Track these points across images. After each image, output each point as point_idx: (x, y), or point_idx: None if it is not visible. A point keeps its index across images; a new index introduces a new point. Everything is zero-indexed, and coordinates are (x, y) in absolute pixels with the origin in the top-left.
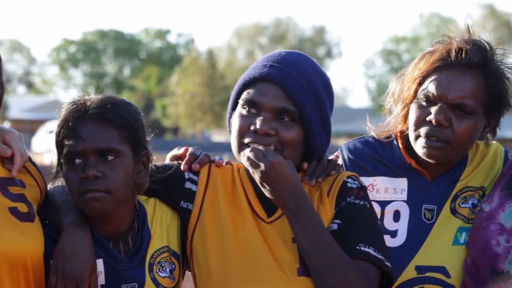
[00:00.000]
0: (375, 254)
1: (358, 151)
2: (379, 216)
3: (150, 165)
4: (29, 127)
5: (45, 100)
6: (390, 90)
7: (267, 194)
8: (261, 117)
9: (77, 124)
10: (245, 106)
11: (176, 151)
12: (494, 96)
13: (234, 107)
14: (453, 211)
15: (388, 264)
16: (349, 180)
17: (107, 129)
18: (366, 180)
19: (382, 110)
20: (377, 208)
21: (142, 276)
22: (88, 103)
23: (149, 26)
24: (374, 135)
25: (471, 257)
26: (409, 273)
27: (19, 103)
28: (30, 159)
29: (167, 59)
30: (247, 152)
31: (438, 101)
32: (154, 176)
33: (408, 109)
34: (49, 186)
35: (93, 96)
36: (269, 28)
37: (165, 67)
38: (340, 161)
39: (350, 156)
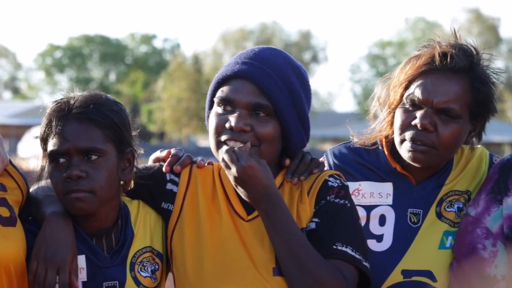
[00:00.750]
0: (352, 253)
1: (343, 157)
2: (364, 221)
3: (135, 161)
4: (15, 132)
5: (31, 106)
6: (376, 94)
7: (241, 195)
8: (235, 114)
9: (60, 123)
10: (220, 104)
11: (159, 154)
12: (480, 100)
13: (210, 107)
14: (439, 215)
15: (366, 264)
16: (331, 179)
17: (90, 128)
18: (351, 185)
19: (367, 114)
20: (362, 213)
21: (123, 275)
22: (72, 102)
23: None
24: (359, 144)
25: (457, 261)
26: (395, 277)
27: (5, 108)
28: (10, 162)
29: (153, 64)
30: (222, 151)
31: (424, 105)
32: (137, 178)
33: (394, 114)
34: (35, 186)
35: (78, 94)
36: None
37: (151, 72)
38: (326, 167)
39: (336, 161)
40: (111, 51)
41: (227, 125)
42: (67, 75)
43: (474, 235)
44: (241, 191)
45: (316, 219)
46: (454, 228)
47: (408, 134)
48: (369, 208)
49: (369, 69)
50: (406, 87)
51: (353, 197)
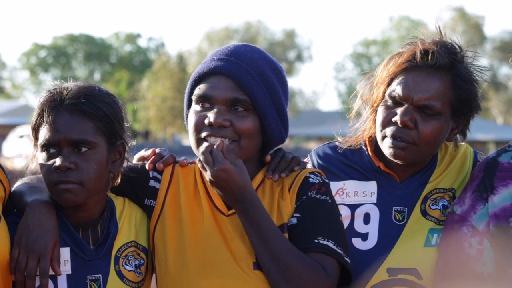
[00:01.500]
0: (334, 247)
1: (327, 157)
2: (349, 220)
3: (126, 154)
4: (0, 132)
5: (16, 105)
6: (359, 91)
7: (218, 194)
8: (214, 110)
9: (52, 114)
10: (198, 102)
11: (144, 152)
12: (462, 98)
13: (189, 106)
14: (424, 213)
15: (347, 259)
16: (312, 175)
17: (82, 120)
18: (335, 185)
19: (349, 112)
20: (347, 212)
21: (107, 268)
22: (65, 93)
23: (120, 30)
24: (345, 146)
25: (443, 259)
26: (381, 275)
27: None
28: None
29: (137, 63)
30: (202, 148)
31: (404, 102)
32: (122, 175)
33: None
34: (20, 181)
35: (71, 84)
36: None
37: (135, 71)
38: (309, 167)
39: (320, 161)
40: (95, 50)
41: (206, 121)
42: (51, 74)
43: (460, 233)
44: (217, 191)
45: (297, 214)
46: (439, 226)
47: (389, 131)
48: (353, 207)
49: (353, 68)
50: (388, 84)
51: (337, 196)
